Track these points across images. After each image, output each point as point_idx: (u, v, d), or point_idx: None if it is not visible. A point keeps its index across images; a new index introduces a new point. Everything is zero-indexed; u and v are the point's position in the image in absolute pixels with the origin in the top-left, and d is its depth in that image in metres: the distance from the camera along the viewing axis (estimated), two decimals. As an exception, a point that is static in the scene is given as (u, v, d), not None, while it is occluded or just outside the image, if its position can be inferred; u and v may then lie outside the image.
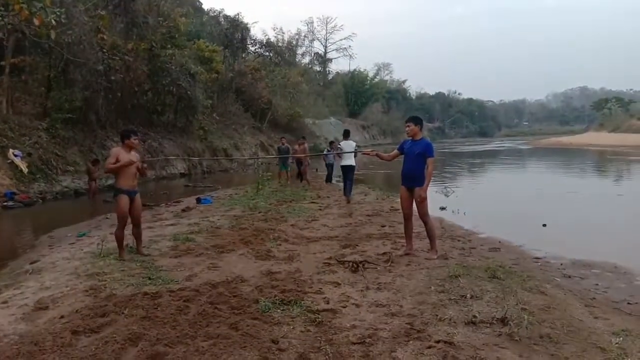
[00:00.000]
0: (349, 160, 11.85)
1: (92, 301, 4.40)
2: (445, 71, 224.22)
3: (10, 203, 12.93)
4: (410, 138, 6.18)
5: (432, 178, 6.26)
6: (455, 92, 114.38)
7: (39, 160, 15.53)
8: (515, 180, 19.90)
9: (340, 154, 12.91)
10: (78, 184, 16.02)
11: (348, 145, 12.18)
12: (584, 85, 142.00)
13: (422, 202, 6.01)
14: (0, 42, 12.68)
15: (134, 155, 6.15)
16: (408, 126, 6.19)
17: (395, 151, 6.42)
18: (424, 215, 6.09)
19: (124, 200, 5.98)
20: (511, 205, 12.28)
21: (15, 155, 14.58)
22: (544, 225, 9.13)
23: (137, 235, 6.33)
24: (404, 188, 6.21)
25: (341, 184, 13.19)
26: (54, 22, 9.40)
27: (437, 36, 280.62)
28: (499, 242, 7.71)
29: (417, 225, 6.47)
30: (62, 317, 4.03)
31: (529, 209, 11.53)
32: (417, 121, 6.22)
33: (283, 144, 17.08)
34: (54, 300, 4.52)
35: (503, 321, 3.78)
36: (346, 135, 13.16)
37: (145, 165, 6.48)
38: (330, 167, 16.54)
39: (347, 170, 11.88)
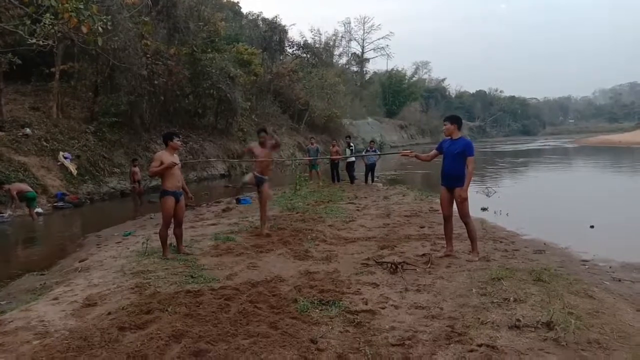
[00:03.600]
0: (351, 159, 16.72)
1: (137, 298, 4.54)
2: (486, 69, 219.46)
3: (61, 203, 13.54)
4: (449, 137, 6.08)
5: (473, 178, 6.13)
6: (497, 90, 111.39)
7: (87, 162, 16.21)
8: (560, 180, 19.16)
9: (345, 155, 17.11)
10: (124, 185, 16.61)
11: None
12: (634, 81, 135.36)
13: (463, 203, 5.90)
14: (51, 50, 13.26)
15: (176, 158, 6.33)
16: (445, 125, 6.11)
17: (434, 151, 6.31)
18: (464, 216, 5.97)
19: (170, 201, 6.16)
20: (556, 206, 11.85)
21: (65, 158, 15.27)
22: (592, 226, 8.77)
23: (178, 234, 6.51)
24: (443, 188, 6.11)
25: (379, 184, 16.43)
26: (100, 29, 9.70)
27: (477, 33, 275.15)
28: (544, 244, 7.44)
29: (458, 226, 6.35)
30: (109, 313, 4.18)
31: (575, 209, 11.12)
32: (453, 120, 6.10)
33: (312, 144, 17.17)
34: (102, 297, 4.69)
35: (548, 325, 3.66)
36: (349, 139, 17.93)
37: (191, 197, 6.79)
38: (369, 167, 16.10)
39: (350, 165, 16.72)
